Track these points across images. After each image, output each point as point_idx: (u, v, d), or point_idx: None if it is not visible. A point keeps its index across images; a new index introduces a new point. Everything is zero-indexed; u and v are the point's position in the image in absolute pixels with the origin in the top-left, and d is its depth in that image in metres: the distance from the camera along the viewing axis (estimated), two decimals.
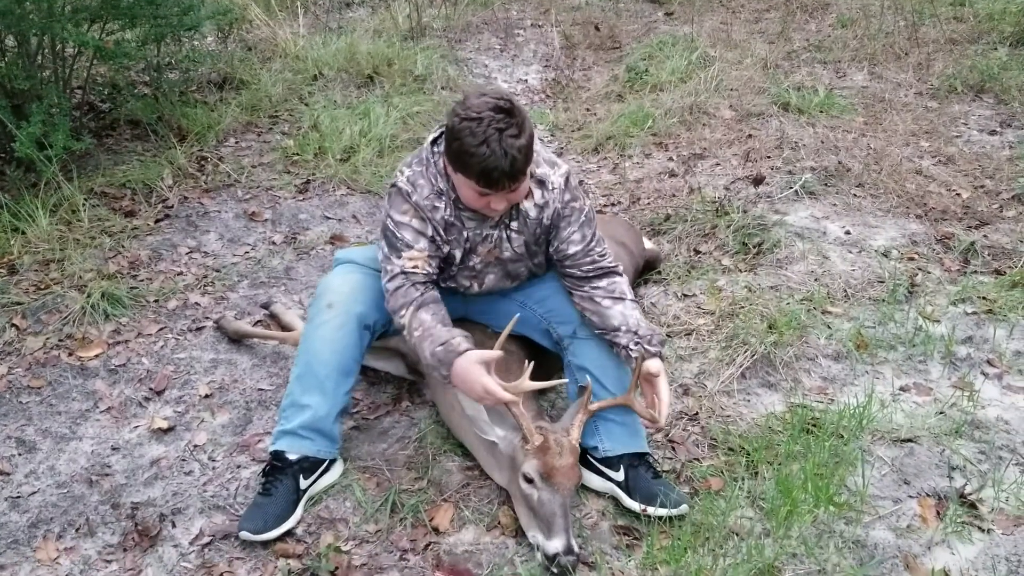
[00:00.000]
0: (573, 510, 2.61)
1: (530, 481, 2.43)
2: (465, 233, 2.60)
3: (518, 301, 2.85)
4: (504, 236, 2.64)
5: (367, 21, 7.43)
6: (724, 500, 2.60)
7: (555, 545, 2.32)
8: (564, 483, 2.41)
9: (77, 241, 3.90)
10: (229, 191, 4.56)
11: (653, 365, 2.53)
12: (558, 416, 2.97)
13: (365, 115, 5.22)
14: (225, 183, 4.62)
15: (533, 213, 2.61)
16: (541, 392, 3.02)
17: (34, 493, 2.70)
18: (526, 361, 2.50)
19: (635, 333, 2.55)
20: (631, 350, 2.54)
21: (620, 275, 2.69)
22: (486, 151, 2.26)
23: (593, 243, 2.67)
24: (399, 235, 2.53)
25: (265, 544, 2.48)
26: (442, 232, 2.56)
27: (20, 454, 2.86)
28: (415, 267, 2.53)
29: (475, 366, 2.36)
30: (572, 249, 2.64)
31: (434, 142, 2.57)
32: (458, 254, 2.63)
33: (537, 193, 2.59)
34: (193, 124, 5.01)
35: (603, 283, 2.65)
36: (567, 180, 2.62)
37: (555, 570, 2.31)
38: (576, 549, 2.33)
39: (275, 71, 5.89)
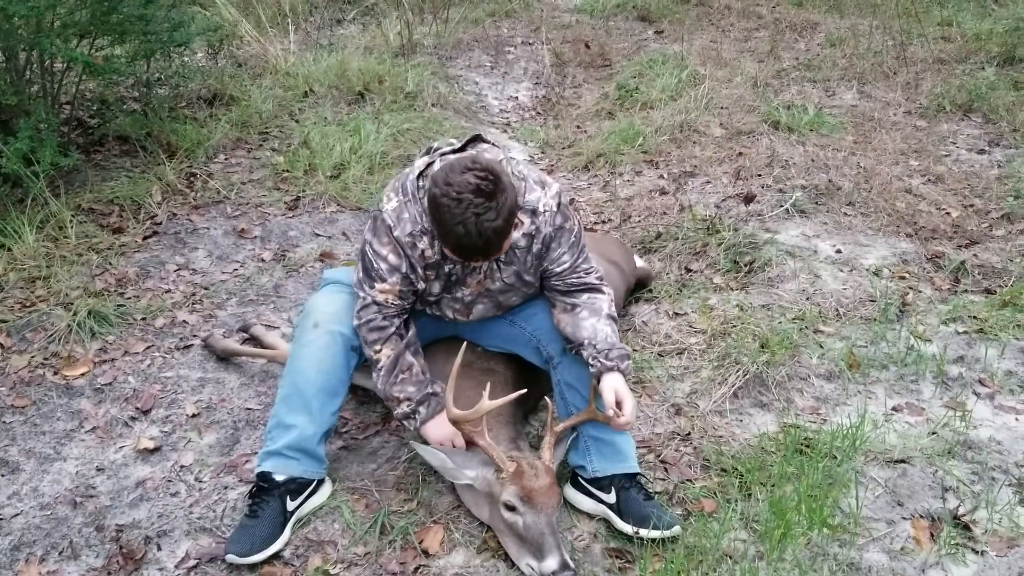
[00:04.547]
0: (565, 532, 2.59)
1: (512, 508, 2.41)
2: (447, 267, 2.58)
3: (507, 319, 2.83)
4: (494, 267, 2.62)
5: (358, 38, 7.43)
6: (717, 522, 2.58)
7: (550, 564, 2.30)
8: (545, 503, 2.40)
9: (64, 258, 3.86)
10: (218, 208, 4.54)
11: (609, 379, 2.51)
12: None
13: (355, 132, 5.21)
14: (214, 200, 4.59)
15: (523, 243, 2.57)
16: (528, 415, 3.00)
17: (17, 515, 2.65)
18: (487, 385, 2.51)
19: (595, 347, 2.53)
20: (590, 364, 2.54)
21: (603, 292, 2.68)
22: (462, 231, 2.28)
23: (580, 261, 2.66)
24: (375, 264, 2.54)
25: (252, 567, 2.44)
26: (420, 269, 2.55)
27: (3, 475, 2.81)
28: (386, 300, 2.56)
29: (448, 422, 2.57)
30: (559, 268, 2.63)
31: (420, 175, 2.52)
32: (437, 287, 2.62)
33: (526, 221, 2.54)
34: (182, 140, 4.98)
35: (584, 297, 2.65)
36: (559, 202, 2.60)
37: None
38: (572, 564, 2.32)
39: (265, 87, 5.87)
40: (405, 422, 2.67)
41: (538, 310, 2.77)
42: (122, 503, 2.71)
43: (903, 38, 7.25)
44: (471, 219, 2.25)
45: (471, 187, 2.25)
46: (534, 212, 2.55)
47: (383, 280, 2.54)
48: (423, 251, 2.52)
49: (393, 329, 2.58)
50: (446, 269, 2.58)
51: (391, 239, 2.51)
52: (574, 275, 2.65)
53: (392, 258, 2.52)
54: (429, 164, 2.51)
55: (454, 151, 2.54)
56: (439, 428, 2.62)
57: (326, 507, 2.68)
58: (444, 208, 2.28)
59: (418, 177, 2.52)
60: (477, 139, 2.62)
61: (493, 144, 2.62)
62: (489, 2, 9.27)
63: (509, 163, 2.55)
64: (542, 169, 5.46)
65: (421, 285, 2.59)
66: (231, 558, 2.42)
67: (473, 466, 2.54)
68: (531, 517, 2.38)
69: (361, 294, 2.58)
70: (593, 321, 2.58)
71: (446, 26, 8.06)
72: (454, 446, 2.63)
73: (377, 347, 2.58)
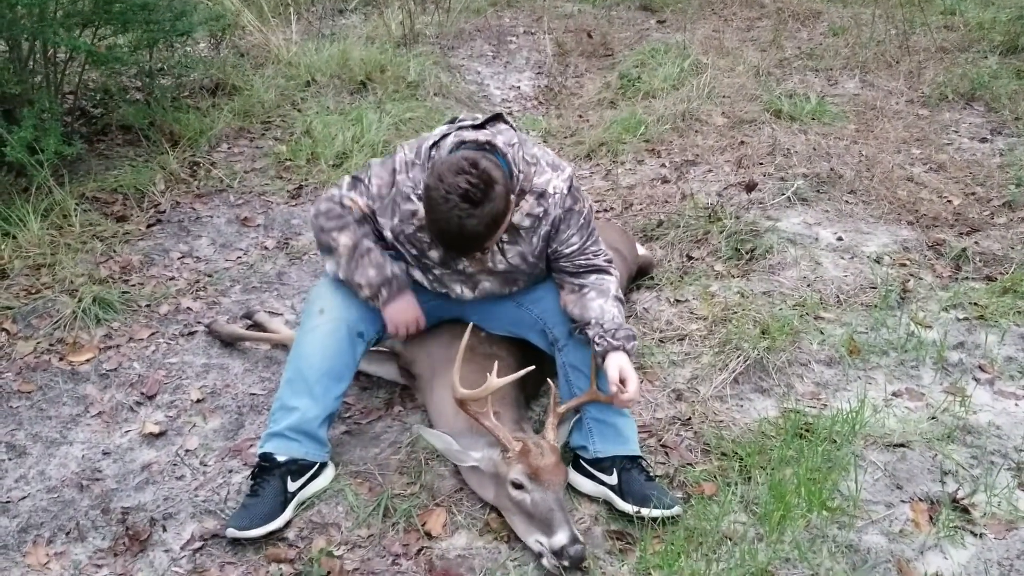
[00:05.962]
0: None
1: (520, 487, 2.44)
2: None
3: (514, 301, 2.83)
4: (495, 248, 2.63)
5: (360, 28, 7.43)
6: (717, 505, 2.60)
7: (560, 539, 2.34)
8: (553, 480, 2.44)
9: (68, 246, 3.88)
10: (221, 196, 4.55)
11: (615, 358, 2.52)
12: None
13: (358, 121, 5.22)
14: (217, 188, 4.61)
15: (527, 223, 2.59)
16: (529, 399, 3.01)
17: (24, 498, 2.68)
18: (495, 364, 2.53)
19: (602, 326, 2.54)
20: (595, 343, 2.55)
21: (611, 274, 2.69)
22: (443, 226, 2.34)
23: (589, 243, 2.68)
24: (366, 177, 2.65)
25: (256, 548, 2.47)
26: (396, 220, 2.61)
27: (10, 459, 2.84)
28: (351, 208, 2.64)
29: (415, 301, 2.67)
30: (568, 250, 2.65)
31: (435, 144, 2.58)
32: (435, 254, 2.64)
33: (533, 203, 2.57)
34: (185, 129, 4.99)
35: (592, 278, 2.66)
36: (570, 185, 2.61)
37: (567, 563, 2.31)
38: (581, 538, 2.35)
39: (268, 77, 5.88)
40: (370, 303, 2.68)
41: (545, 293, 2.79)
42: (128, 486, 2.74)
43: (906, 27, 7.24)
44: (454, 219, 2.30)
45: (460, 191, 2.28)
46: (542, 194, 2.57)
47: (362, 196, 2.64)
48: (415, 211, 2.57)
49: (351, 218, 2.64)
50: None
51: (391, 176, 2.62)
52: (583, 256, 2.67)
53: (383, 189, 2.62)
54: (445, 135, 2.56)
55: (474, 127, 2.59)
56: (402, 311, 2.67)
57: (330, 490, 2.70)
58: (432, 201, 2.33)
59: (432, 146, 2.58)
60: (498, 118, 2.65)
61: (511, 127, 2.65)
62: None
63: (523, 146, 2.58)
64: None
65: (388, 235, 2.65)
66: (230, 532, 2.46)
67: (478, 447, 2.57)
68: (539, 494, 2.41)
69: (335, 190, 2.68)
70: (601, 302, 2.60)
71: (448, 16, 8.04)
72: (417, 330, 2.72)
73: (335, 234, 2.62)
